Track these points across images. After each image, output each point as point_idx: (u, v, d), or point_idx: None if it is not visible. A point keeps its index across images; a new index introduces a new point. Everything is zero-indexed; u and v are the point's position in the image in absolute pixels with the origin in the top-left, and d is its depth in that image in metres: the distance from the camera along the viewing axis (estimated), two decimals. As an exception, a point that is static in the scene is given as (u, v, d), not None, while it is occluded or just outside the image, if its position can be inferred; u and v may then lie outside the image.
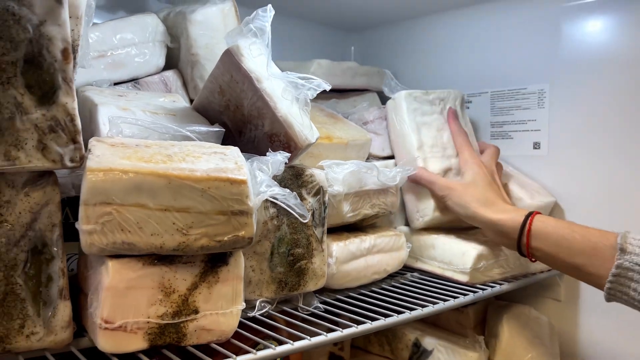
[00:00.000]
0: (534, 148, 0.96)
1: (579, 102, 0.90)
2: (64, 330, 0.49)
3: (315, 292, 0.72)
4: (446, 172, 0.87)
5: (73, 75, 0.48)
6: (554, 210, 0.93)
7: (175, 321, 0.50)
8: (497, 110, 1.02)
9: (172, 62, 0.84)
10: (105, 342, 0.47)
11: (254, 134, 0.66)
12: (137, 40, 0.79)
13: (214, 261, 0.52)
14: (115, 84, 0.77)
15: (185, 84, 0.84)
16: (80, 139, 0.48)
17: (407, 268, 0.87)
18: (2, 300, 0.46)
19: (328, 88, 0.63)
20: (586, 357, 0.91)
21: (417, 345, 0.92)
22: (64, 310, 0.49)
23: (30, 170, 0.47)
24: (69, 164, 0.47)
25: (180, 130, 0.60)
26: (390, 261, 0.79)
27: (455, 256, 0.80)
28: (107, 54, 0.76)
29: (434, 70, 1.14)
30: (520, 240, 0.71)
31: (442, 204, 0.83)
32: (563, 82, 0.92)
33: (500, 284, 0.80)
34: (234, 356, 0.51)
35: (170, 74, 0.82)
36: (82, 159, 0.48)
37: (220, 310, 0.52)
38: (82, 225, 0.45)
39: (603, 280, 0.62)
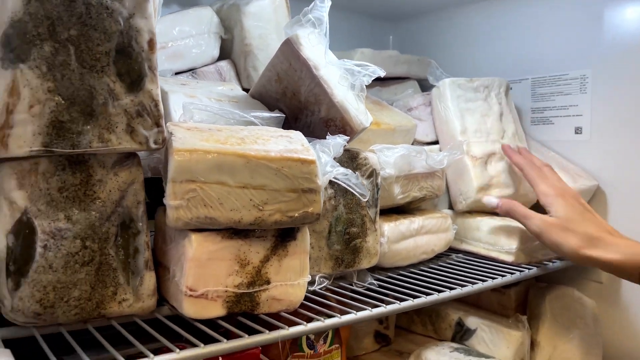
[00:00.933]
0: (576, 133, 0.98)
1: (622, 87, 0.91)
2: (150, 298, 0.53)
3: (368, 269, 0.75)
4: (489, 156, 0.90)
5: (157, 64, 0.52)
6: (596, 194, 0.94)
7: (249, 291, 0.54)
8: (538, 97, 1.04)
9: (225, 52, 0.89)
10: (189, 308, 0.51)
11: (310, 120, 0.70)
12: (194, 32, 0.83)
13: (283, 236, 0.56)
14: (175, 74, 0.82)
15: (238, 74, 0.88)
16: (163, 122, 0.52)
17: (452, 250, 0.90)
18: (97, 270, 0.50)
19: (383, 74, 0.66)
20: (628, 339, 0.93)
21: (460, 324, 0.95)
22: (150, 279, 0.53)
23: (120, 151, 0.51)
24: (153, 145, 0.52)
25: (244, 116, 0.64)
26: (437, 242, 0.82)
27: (500, 237, 0.83)
28: (167, 45, 0.80)
29: (472, 59, 1.15)
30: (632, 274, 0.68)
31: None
32: (606, 68, 0.93)
33: (545, 264, 0.83)
34: (286, 327, 0.54)
35: (224, 64, 0.86)
36: (164, 141, 0.52)
37: (289, 281, 0.56)
38: (169, 201, 0.49)
39: None
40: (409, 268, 0.79)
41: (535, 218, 0.76)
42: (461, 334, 0.94)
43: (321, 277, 0.68)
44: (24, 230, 0.48)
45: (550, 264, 0.84)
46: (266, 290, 0.55)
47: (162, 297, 0.57)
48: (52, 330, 0.50)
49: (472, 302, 1.02)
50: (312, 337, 0.79)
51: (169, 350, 0.46)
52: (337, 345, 0.83)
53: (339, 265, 0.69)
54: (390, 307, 0.62)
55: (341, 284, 0.70)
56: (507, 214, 0.81)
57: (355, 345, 0.95)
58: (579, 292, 0.92)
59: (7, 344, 0.48)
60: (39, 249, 0.48)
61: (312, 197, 0.54)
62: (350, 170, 0.58)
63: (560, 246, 0.73)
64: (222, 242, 0.52)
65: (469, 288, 0.71)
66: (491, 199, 0.85)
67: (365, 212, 0.70)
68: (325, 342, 0.81)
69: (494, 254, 0.84)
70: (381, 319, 0.97)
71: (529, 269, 0.80)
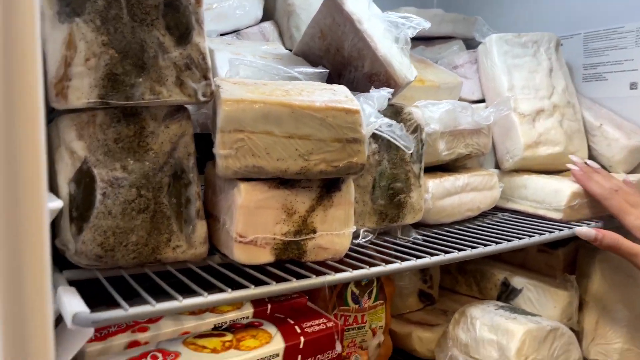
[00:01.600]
0: (631, 89, 0.94)
1: (683, 37, 0.87)
2: (202, 245, 0.56)
3: (412, 226, 0.75)
4: (538, 113, 0.87)
5: (204, 17, 0.53)
6: (652, 151, 0.91)
7: (296, 239, 0.55)
8: (590, 52, 0.99)
9: (268, 13, 0.89)
10: (239, 254, 0.53)
11: (354, 75, 0.70)
12: (238, -7, 0.84)
13: (328, 187, 0.57)
14: (220, 35, 0.83)
15: (281, 35, 0.88)
16: (211, 75, 0.54)
17: (498, 209, 0.89)
18: (152, 217, 0.53)
19: (427, 26, 0.65)
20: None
21: (506, 284, 0.94)
22: (201, 228, 0.56)
23: (170, 104, 0.53)
24: (201, 98, 0.53)
25: (289, 71, 0.65)
26: (483, 199, 0.81)
27: (549, 194, 0.81)
28: (212, 6, 0.81)
29: (520, 15, 1.12)
30: None
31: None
32: (665, 18, 0.89)
33: (596, 222, 0.81)
34: (332, 273, 0.56)
35: (267, 25, 0.87)
36: (212, 94, 0.54)
37: (335, 231, 0.57)
38: (219, 150, 0.51)
39: None
40: (453, 225, 0.79)
41: None
42: (506, 294, 0.94)
43: (365, 231, 0.69)
44: (84, 179, 0.50)
45: (601, 222, 0.81)
46: (312, 239, 0.56)
47: (213, 247, 0.59)
48: (113, 273, 0.53)
49: (517, 263, 1.01)
50: (357, 292, 0.81)
51: (221, 291, 0.49)
52: (381, 302, 0.84)
53: (383, 220, 0.70)
54: (435, 258, 0.62)
55: (386, 238, 0.71)
56: (610, 248, 0.74)
57: (400, 304, 0.96)
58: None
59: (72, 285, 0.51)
60: (98, 196, 0.50)
61: (356, 147, 0.54)
62: (395, 122, 0.58)
63: None
64: (270, 192, 0.54)
65: (516, 242, 0.70)
66: (589, 231, 0.75)
67: (409, 168, 0.71)
68: (369, 298, 0.83)
69: (541, 212, 0.82)
70: (425, 278, 0.97)
71: (579, 225, 0.78)
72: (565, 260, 0.96)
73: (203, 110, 0.63)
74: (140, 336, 0.50)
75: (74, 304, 0.42)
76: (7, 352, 0.32)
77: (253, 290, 0.49)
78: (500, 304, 0.88)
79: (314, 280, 0.53)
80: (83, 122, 0.51)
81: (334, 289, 0.79)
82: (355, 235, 0.68)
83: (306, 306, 0.59)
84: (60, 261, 0.52)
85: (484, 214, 0.85)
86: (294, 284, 0.52)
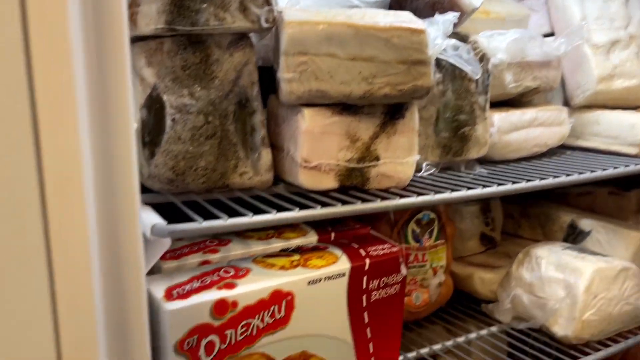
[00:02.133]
0: None
1: None
2: (267, 172, 0.57)
3: (477, 161, 0.74)
4: (613, 44, 0.82)
5: (263, -58, 0.53)
6: None
7: (360, 166, 0.55)
8: (673, -22, 0.92)
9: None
10: (304, 179, 0.54)
11: (415, 5, 0.68)
12: None
13: (392, 114, 0.56)
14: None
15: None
16: (273, 1, 0.53)
17: (566, 147, 0.85)
18: (219, 144, 0.54)
19: (495, -54, 0.62)
20: None
21: (573, 226, 0.91)
22: (266, 155, 0.57)
23: (234, 30, 0.53)
24: (264, 24, 0.53)
25: (350, 0, 0.64)
26: (551, 135, 0.78)
27: (624, 129, 0.77)
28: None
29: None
30: None
31: None
32: None
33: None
34: (397, 197, 0.55)
35: (325, -39, 0.85)
36: (275, 20, 0.53)
37: (398, 159, 0.57)
38: (283, 74, 0.51)
39: None
40: (519, 161, 0.76)
41: None
42: (573, 237, 0.91)
43: (428, 164, 0.68)
44: (155, 105, 0.52)
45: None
46: (375, 166, 0.56)
47: (276, 177, 0.60)
48: (184, 198, 0.55)
49: (586, 208, 0.97)
50: (418, 230, 0.81)
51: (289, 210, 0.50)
52: (442, 241, 0.84)
53: (447, 154, 0.69)
54: (502, 187, 0.61)
55: (449, 172, 0.70)
56: None
57: (461, 247, 0.95)
58: None
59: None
60: (168, 122, 0.52)
61: (421, 69, 0.53)
62: (462, 43, 0.56)
63: None
64: (333, 117, 0.53)
65: (589, 174, 0.67)
66: None
67: (474, 99, 0.68)
68: (430, 237, 0.82)
69: (615, 148, 0.78)
70: (487, 221, 0.95)
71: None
72: (638, 202, 0.92)
73: (264, 41, 0.63)
74: (211, 257, 0.52)
75: (152, 217, 0.44)
76: (104, 261, 0.34)
77: (319, 211, 0.50)
78: (567, 244, 0.85)
79: (378, 204, 0.53)
80: (152, 50, 0.52)
81: (395, 226, 0.79)
82: (418, 169, 0.67)
83: (369, 234, 0.59)
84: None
85: (551, 152, 0.81)
86: (359, 206, 0.52)
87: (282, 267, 0.49)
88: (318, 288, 0.49)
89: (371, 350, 0.54)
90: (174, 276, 0.46)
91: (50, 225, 0.31)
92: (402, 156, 0.57)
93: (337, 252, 0.53)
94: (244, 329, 0.45)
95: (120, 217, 0.35)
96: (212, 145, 0.54)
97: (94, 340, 0.33)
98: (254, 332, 0.45)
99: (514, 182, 0.62)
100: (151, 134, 0.52)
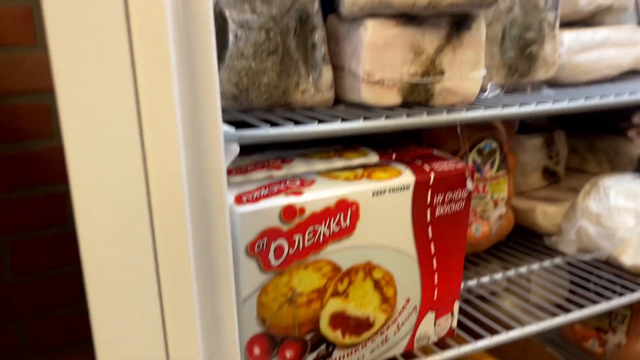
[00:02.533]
0: None
1: None
2: (328, 90, 0.56)
3: (545, 83, 0.71)
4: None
5: None
6: None
7: (424, 80, 0.54)
8: None
9: None
10: (367, 94, 0.53)
11: None
12: None
13: (458, 25, 0.54)
14: None
15: None
16: None
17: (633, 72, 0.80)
18: (281, 60, 0.54)
19: None
20: None
21: (644, 159, 0.87)
22: (327, 73, 0.56)
23: (294, -58, 0.52)
24: None
25: None
26: (624, 56, 0.73)
27: None
28: None
29: None
30: None
31: None
32: None
33: None
34: (464, 110, 0.54)
35: None
36: None
37: (464, 73, 0.55)
38: (345, -16, 0.50)
39: None
40: (590, 84, 0.72)
41: None
42: (645, 169, 0.87)
43: (493, 85, 0.65)
44: (217, 21, 0.52)
45: None
46: (440, 82, 0.55)
47: (336, 98, 0.59)
48: (248, 116, 0.55)
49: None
50: (479, 160, 0.79)
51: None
52: (503, 172, 0.81)
53: (513, 74, 0.66)
54: (573, 103, 0.58)
55: (515, 93, 0.67)
56: None
57: (522, 182, 0.93)
58: None
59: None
60: (231, 38, 0.52)
61: (491, -26, 0.50)
62: (533, -53, 0.53)
63: None
64: (397, 28, 0.52)
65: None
66: None
67: (543, 16, 0.65)
68: (492, 168, 0.80)
69: (696, 69, 0.73)
70: (551, 154, 0.92)
71: None
72: None
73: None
74: (275, 172, 0.52)
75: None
76: (189, 164, 0.35)
77: (384, 122, 0.49)
78: (638, 175, 0.81)
79: (445, 116, 0.52)
80: (213, -36, 0.51)
81: (455, 154, 0.77)
82: (482, 89, 0.65)
83: (432, 154, 0.58)
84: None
85: (626, 75, 0.77)
86: (425, 118, 0.51)
87: (347, 179, 0.49)
88: (382, 199, 0.49)
89: (435, 267, 0.54)
90: (242, 186, 0.47)
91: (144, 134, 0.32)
92: (468, 70, 0.55)
93: (401, 167, 0.53)
94: (311, 235, 0.46)
95: (203, 123, 0.36)
96: (274, 62, 0.54)
97: (184, 238, 0.35)
98: (321, 238, 0.46)
99: (586, 98, 0.59)
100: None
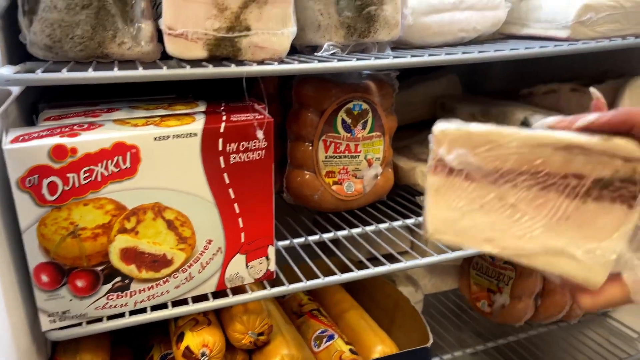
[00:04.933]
0: None
1: None
2: (148, 44, 0.59)
3: (395, 47, 0.73)
4: None
5: None
6: None
7: (229, 35, 0.57)
8: None
9: None
10: (171, 47, 0.56)
11: None
12: None
13: (262, -17, 0.56)
14: None
15: None
16: None
17: (511, 36, 0.81)
18: (96, 14, 0.57)
19: None
20: None
21: (525, 123, 0.88)
22: (147, 27, 0.59)
23: None
24: None
25: None
26: (481, 20, 0.74)
27: (559, 11, 0.72)
28: None
29: None
30: None
31: None
32: None
33: (612, 40, 0.71)
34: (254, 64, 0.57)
35: None
36: None
37: (272, 30, 0.58)
38: (139, -60, 0.52)
39: None
40: (443, 47, 0.74)
41: None
42: (524, 133, 0.88)
43: (330, 44, 0.68)
44: (30, -25, 0.56)
45: (620, 40, 0.71)
46: (247, 37, 0.58)
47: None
48: (67, 66, 0.59)
49: (549, 106, 0.93)
50: (349, 120, 0.82)
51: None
52: (378, 134, 0.84)
53: (352, 35, 0.68)
54: (432, 58, 0.60)
55: (357, 54, 0.69)
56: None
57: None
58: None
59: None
60: (44, -9, 0.55)
61: None
62: None
63: None
64: (197, -15, 0.55)
65: (506, 52, 0.64)
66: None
67: (380, -23, 0.66)
68: (364, 128, 0.83)
69: (551, 32, 0.74)
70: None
71: (586, 43, 0.69)
72: (599, 99, 0.86)
73: None
74: (91, 120, 0.56)
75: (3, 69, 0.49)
76: None
77: (188, 70, 0.53)
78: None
79: (255, 68, 0.55)
80: None
81: (322, 114, 0.80)
82: (318, 48, 0.68)
83: (252, 107, 0.61)
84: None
85: (485, 38, 0.78)
86: (233, 69, 0.54)
87: (135, 125, 0.53)
88: (167, 145, 0.52)
89: (237, 211, 0.58)
90: (35, 129, 0.52)
91: None
92: (275, 27, 0.58)
93: (200, 117, 0.56)
94: (87, 175, 0.50)
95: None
96: (89, 15, 0.57)
97: None
98: (99, 178, 0.50)
99: (430, 55, 0.61)
100: (30, 3, 0.56)
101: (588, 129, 0.38)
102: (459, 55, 0.63)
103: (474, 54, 0.63)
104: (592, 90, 0.43)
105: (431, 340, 0.74)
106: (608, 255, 0.39)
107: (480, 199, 0.41)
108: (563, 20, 0.71)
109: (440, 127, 0.41)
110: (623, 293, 0.40)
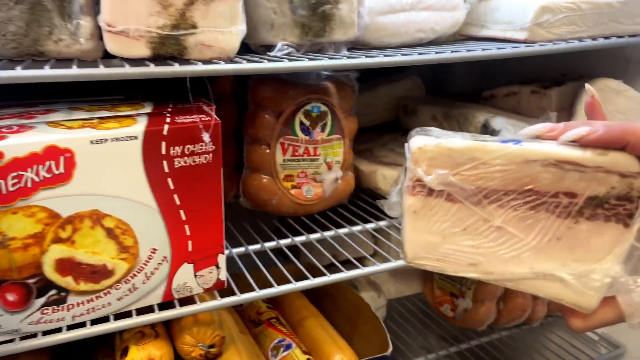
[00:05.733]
0: None
1: None
2: (88, 41, 0.56)
3: (352, 47, 0.71)
4: None
5: None
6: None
7: (174, 33, 0.54)
8: None
9: None
10: (112, 45, 0.53)
11: None
12: None
13: (208, -22, 0.54)
14: None
15: None
16: None
17: (470, 37, 0.80)
18: (30, 10, 0.54)
19: None
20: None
21: (485, 126, 0.88)
22: (87, 24, 0.56)
23: None
24: None
25: None
26: (440, 20, 0.73)
27: (517, 13, 0.72)
28: None
29: None
30: None
31: None
32: None
33: (569, 42, 0.70)
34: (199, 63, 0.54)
35: None
36: None
37: (219, 28, 0.55)
38: None
39: None
40: (400, 47, 0.72)
41: None
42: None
43: (285, 44, 0.65)
44: (-43, -33, 0.52)
45: (577, 42, 0.71)
46: (193, 35, 0.55)
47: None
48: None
49: (511, 108, 0.93)
50: (307, 123, 0.79)
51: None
52: (338, 136, 0.82)
53: (306, 34, 0.66)
54: (370, 60, 0.59)
55: (313, 55, 0.67)
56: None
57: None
58: (626, 85, 0.78)
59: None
60: (-28, -15, 0.52)
61: None
62: None
63: None
64: (138, -20, 0.52)
65: (463, 54, 0.63)
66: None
67: (337, -26, 0.64)
68: (323, 131, 0.81)
69: (509, 34, 0.73)
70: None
71: (544, 45, 0.69)
72: (558, 102, 0.86)
73: None
74: (24, 122, 0.52)
75: None
76: None
77: (128, 70, 0.50)
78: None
79: (200, 67, 0.52)
80: None
81: (280, 116, 0.77)
82: (272, 48, 0.65)
83: (201, 108, 0.59)
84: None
85: (445, 40, 0.77)
86: (177, 68, 0.51)
87: (70, 128, 0.50)
88: (105, 149, 0.49)
89: (184, 219, 0.55)
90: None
91: None
92: (223, 25, 0.55)
93: (142, 118, 0.53)
94: (16, 181, 0.46)
95: None
96: (22, 11, 0.53)
97: None
98: (29, 184, 0.47)
99: (385, 55, 0.59)
100: (-45, -2, 0.52)
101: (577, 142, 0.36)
102: (414, 56, 0.61)
103: (430, 55, 0.62)
104: (588, 87, 0.41)
105: (390, 348, 0.72)
106: (602, 278, 0.37)
107: (463, 221, 0.38)
108: (520, 22, 0.70)
109: (417, 143, 0.38)
110: (616, 314, 0.38)
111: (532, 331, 1.03)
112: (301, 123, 0.79)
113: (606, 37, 0.73)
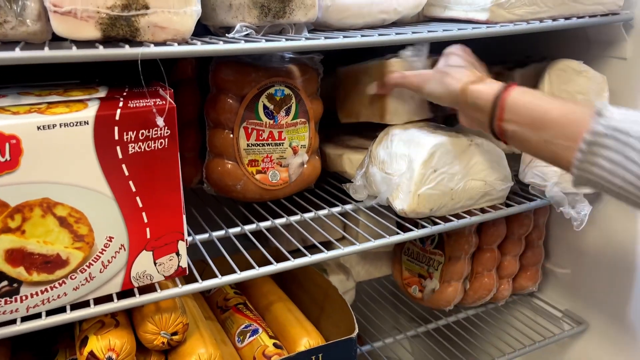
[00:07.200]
0: None
1: None
2: (35, 23, 0.54)
3: (314, 29, 0.70)
4: None
5: None
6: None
7: (125, 14, 0.52)
8: None
9: None
10: (58, 26, 0.51)
11: None
12: None
13: (159, -43, 0.52)
14: None
15: None
16: None
17: (433, 19, 0.80)
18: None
19: None
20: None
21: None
22: (33, 5, 0.53)
23: None
24: None
25: None
26: (402, 1, 0.72)
27: (479, -7, 0.71)
28: None
29: None
30: (493, 114, 0.62)
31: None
32: None
33: (531, 22, 0.71)
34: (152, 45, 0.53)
35: None
36: None
37: (173, 8, 0.54)
38: None
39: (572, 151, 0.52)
40: (364, 29, 0.72)
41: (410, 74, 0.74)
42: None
43: (243, 25, 0.64)
44: None
45: (538, 22, 0.71)
46: (145, 16, 0.53)
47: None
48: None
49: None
50: (271, 106, 0.78)
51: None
52: (303, 120, 0.81)
53: (266, 15, 0.64)
54: (329, 41, 0.58)
55: (271, 36, 0.66)
56: (398, 86, 0.77)
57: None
58: (586, 65, 0.79)
59: None
60: None
61: None
62: None
63: (438, 87, 0.69)
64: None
65: (424, 34, 0.63)
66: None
67: (295, -46, 0.63)
68: (287, 115, 0.80)
69: (471, 15, 0.73)
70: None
71: (504, 25, 0.69)
72: (521, 82, 0.86)
73: None
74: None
75: None
76: None
77: (75, 52, 0.48)
78: (436, 124, 0.82)
79: (153, 49, 0.51)
80: None
81: (242, 100, 0.76)
82: (230, 30, 0.64)
83: (156, 92, 0.57)
84: None
85: (409, 21, 0.76)
86: (128, 50, 0.49)
87: (15, 113, 0.48)
88: (53, 134, 0.47)
89: (140, 205, 0.54)
90: None
91: None
92: (177, 6, 0.54)
93: (94, 103, 0.52)
94: (-42, 169, 0.44)
95: None
96: (-40, -7, 0.51)
97: None
98: (-27, 172, 0.45)
99: (345, 37, 0.59)
100: None
101: None
102: (374, 37, 0.61)
103: (391, 36, 0.61)
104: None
105: (356, 331, 0.73)
106: None
107: None
108: (482, 3, 0.70)
109: None
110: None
111: (498, 310, 1.04)
112: (265, 107, 0.78)
113: (567, 18, 0.73)
